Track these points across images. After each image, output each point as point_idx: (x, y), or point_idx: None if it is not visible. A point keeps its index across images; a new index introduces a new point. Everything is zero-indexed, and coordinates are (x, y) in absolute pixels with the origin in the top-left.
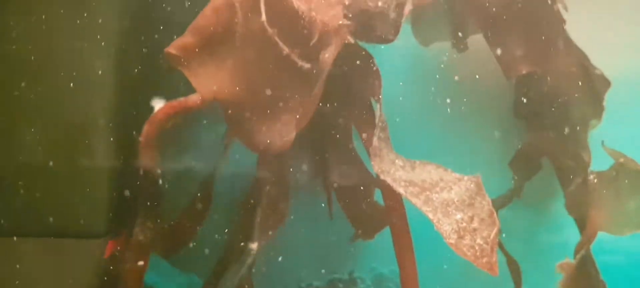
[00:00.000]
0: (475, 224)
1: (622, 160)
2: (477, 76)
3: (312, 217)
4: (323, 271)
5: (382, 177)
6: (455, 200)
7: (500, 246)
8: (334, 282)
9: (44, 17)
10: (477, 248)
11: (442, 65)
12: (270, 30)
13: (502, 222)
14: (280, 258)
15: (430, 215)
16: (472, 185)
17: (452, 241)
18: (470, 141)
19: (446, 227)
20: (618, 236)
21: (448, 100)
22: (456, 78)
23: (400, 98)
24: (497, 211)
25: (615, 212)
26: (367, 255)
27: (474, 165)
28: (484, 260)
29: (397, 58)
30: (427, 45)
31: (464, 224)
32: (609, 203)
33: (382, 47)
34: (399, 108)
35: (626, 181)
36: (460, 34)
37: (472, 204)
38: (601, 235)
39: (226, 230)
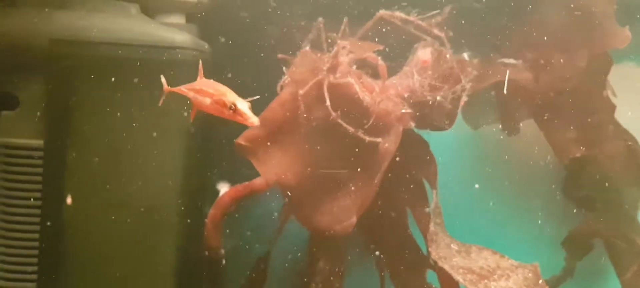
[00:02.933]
0: None
1: None
2: (526, 158)
3: None
4: None
5: (439, 263)
6: None
7: None
8: None
9: (125, 114)
10: None
11: (491, 148)
12: (333, 115)
13: None
14: None
15: None
16: (530, 274)
17: None
18: (522, 221)
19: None
20: None
21: (497, 182)
22: (506, 160)
23: (452, 180)
24: None
25: None
26: None
27: (525, 245)
28: None
29: (447, 141)
30: (477, 128)
31: None
32: None
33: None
34: (450, 190)
35: None
36: (510, 118)
37: None
38: None
39: None
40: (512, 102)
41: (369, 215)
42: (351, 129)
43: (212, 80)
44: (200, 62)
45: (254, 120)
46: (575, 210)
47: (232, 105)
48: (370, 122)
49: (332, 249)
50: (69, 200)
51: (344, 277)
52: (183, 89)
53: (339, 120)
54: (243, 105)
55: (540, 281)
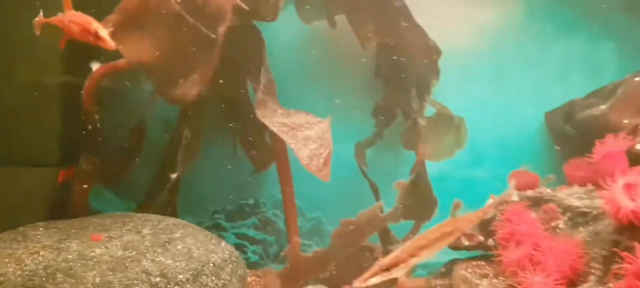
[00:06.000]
0: (321, 150)
1: (438, 107)
2: (349, 47)
3: (225, 155)
4: (233, 198)
5: (262, 120)
6: (313, 135)
7: (364, 174)
8: (243, 206)
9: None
10: (319, 165)
11: (321, 39)
12: (177, 7)
13: (368, 158)
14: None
15: (294, 146)
16: (325, 125)
17: (306, 162)
18: (345, 96)
19: (303, 153)
20: (437, 162)
21: (327, 65)
22: (333, 49)
23: (290, 64)
24: (364, 150)
25: (435, 145)
26: (268, 185)
27: (347, 115)
28: (322, 172)
29: (288, 33)
30: (309, 23)
31: (315, 151)
32: (432, 139)
33: (277, 24)
34: (289, 72)
35: (442, 124)
36: (331, 15)
37: (322, 137)
38: (440, 166)
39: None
40: (303, 1)
41: (220, 89)
42: (191, 20)
43: (79, 12)
44: None
45: (112, 44)
46: (382, 87)
47: (95, 32)
48: (203, 5)
49: (194, 119)
50: None
51: (201, 139)
52: (56, 20)
53: (184, 14)
54: (104, 32)
55: (329, 128)
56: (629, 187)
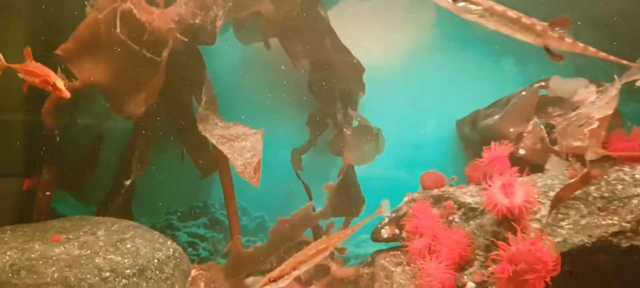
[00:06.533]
0: (253, 159)
1: (359, 119)
2: (283, 66)
3: (177, 163)
4: (185, 200)
5: (203, 133)
6: (248, 146)
7: (298, 177)
8: (193, 207)
9: None
10: (251, 172)
11: (260, 59)
12: (122, 37)
13: (305, 163)
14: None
15: (230, 156)
16: (258, 136)
17: (240, 170)
18: (284, 108)
19: (239, 162)
20: (360, 166)
21: (269, 81)
22: (271, 67)
23: (235, 80)
24: (300, 156)
25: (358, 152)
26: (216, 188)
27: (284, 125)
28: (253, 179)
29: (232, 52)
30: (247, 45)
31: (249, 160)
32: (355, 146)
33: (221, 45)
34: (232, 88)
35: (363, 134)
36: (264, 37)
37: (255, 147)
38: (370, 168)
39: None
40: (265, 24)
41: (168, 105)
42: (135, 47)
43: (39, 64)
44: (29, 48)
45: (67, 94)
46: (315, 100)
47: (54, 83)
48: (148, 35)
49: (146, 132)
50: None
51: (151, 148)
52: (18, 68)
53: (128, 42)
54: (60, 84)
55: (261, 139)
56: (505, 186)
